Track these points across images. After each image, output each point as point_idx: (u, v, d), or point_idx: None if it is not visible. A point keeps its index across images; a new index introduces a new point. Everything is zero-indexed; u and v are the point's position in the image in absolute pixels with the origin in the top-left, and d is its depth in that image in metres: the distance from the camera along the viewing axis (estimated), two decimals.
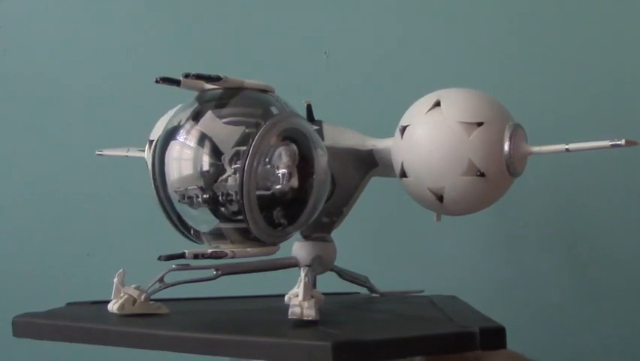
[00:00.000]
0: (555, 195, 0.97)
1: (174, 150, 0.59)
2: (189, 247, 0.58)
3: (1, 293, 1.09)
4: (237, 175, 0.57)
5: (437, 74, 0.99)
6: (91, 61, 1.09)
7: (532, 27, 0.98)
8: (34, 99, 1.10)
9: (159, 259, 0.57)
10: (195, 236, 0.62)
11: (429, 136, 0.64)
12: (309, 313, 0.58)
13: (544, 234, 0.98)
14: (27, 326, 0.64)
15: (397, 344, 0.54)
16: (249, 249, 0.60)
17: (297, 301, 0.58)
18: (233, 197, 0.58)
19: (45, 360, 1.01)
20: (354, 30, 1.02)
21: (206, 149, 0.58)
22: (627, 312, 0.95)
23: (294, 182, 0.59)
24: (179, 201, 0.60)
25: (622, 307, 0.96)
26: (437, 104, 0.65)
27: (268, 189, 0.58)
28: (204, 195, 0.58)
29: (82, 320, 0.63)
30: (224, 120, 0.59)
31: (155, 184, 0.61)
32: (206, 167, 0.58)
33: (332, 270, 0.72)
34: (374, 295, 0.78)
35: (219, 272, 0.66)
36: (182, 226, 0.61)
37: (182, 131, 0.59)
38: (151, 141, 0.73)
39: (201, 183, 0.58)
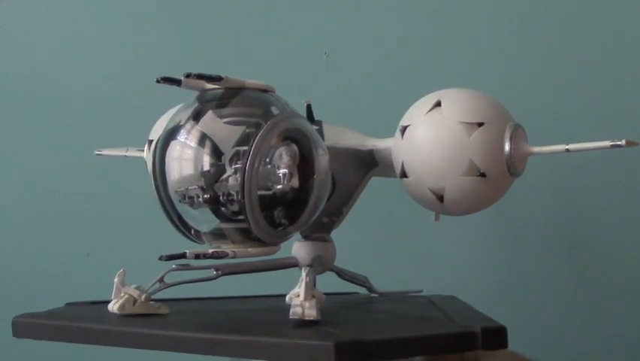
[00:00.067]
0: (555, 195, 0.97)
1: (175, 149, 0.59)
2: (190, 247, 0.58)
3: (1, 293, 1.09)
4: (238, 175, 0.57)
5: (437, 74, 0.99)
6: (91, 61, 1.09)
7: (532, 27, 0.98)
8: (34, 99, 1.10)
9: (160, 259, 0.57)
10: (196, 236, 0.62)
11: (429, 136, 0.64)
12: (311, 313, 0.58)
13: (544, 234, 0.98)
14: (27, 326, 0.64)
15: (400, 343, 0.54)
16: (249, 249, 0.60)
17: (299, 301, 0.58)
18: (234, 197, 0.58)
19: (45, 360, 1.01)
20: (354, 30, 1.02)
21: (207, 149, 0.58)
22: (627, 312, 0.95)
23: (295, 182, 0.59)
24: (179, 201, 0.60)
25: (622, 307, 0.95)
26: (438, 104, 0.65)
27: (269, 189, 0.58)
28: (205, 195, 0.58)
29: (82, 320, 0.63)
30: (225, 120, 0.59)
31: (155, 184, 0.61)
32: (206, 167, 0.58)
33: (332, 270, 0.72)
34: (373, 295, 0.78)
35: (219, 272, 0.66)
36: (182, 226, 0.61)
37: (182, 131, 0.59)
38: (150, 141, 0.73)
39: (202, 183, 0.58)
